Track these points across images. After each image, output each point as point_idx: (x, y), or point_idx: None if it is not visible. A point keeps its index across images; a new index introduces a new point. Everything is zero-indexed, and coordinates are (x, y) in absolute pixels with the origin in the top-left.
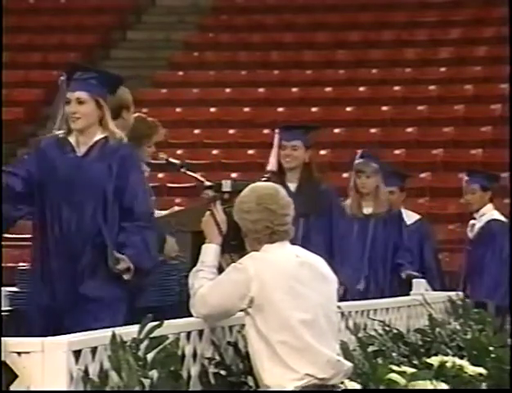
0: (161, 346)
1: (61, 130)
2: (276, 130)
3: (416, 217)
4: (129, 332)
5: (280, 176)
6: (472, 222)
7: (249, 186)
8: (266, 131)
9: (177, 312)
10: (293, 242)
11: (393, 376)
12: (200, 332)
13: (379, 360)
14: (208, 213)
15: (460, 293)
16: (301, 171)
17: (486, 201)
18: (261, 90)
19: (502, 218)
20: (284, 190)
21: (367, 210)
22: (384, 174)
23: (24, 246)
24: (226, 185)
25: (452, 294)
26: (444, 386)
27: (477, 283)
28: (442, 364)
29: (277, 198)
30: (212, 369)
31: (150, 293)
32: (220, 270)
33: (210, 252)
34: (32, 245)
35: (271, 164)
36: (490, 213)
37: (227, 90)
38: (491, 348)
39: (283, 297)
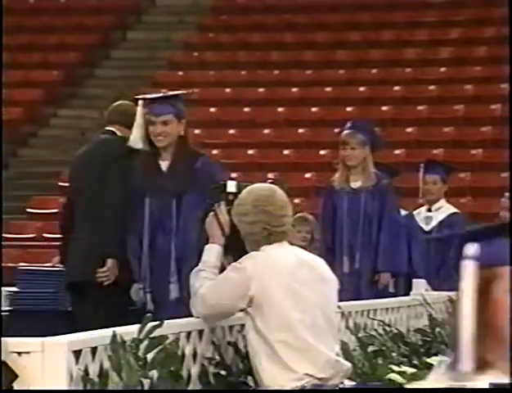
0: (161, 346)
1: None
2: (140, 102)
3: (452, 211)
4: (129, 331)
5: (152, 155)
6: (428, 214)
7: (247, 188)
8: (266, 131)
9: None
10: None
11: (393, 376)
12: (200, 332)
13: (379, 360)
14: (211, 213)
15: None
16: (175, 147)
17: (442, 194)
18: (261, 90)
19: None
20: (281, 191)
21: (355, 184)
22: (375, 144)
23: (24, 246)
24: (231, 186)
25: (452, 294)
26: (444, 386)
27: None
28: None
29: (274, 199)
30: (212, 369)
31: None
32: (222, 271)
33: (213, 253)
34: None
35: (133, 141)
36: (447, 206)
37: (227, 90)
38: None
39: (282, 297)
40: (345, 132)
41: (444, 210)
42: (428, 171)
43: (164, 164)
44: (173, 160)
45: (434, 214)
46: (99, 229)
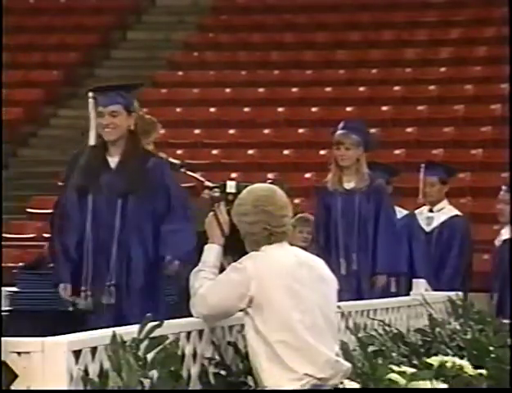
0: (161, 346)
1: None
2: (90, 94)
3: (454, 213)
4: (129, 331)
5: (100, 150)
6: (429, 214)
7: (247, 188)
8: (266, 131)
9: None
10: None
11: (393, 376)
12: (200, 332)
13: (379, 360)
14: (211, 213)
15: (460, 293)
16: (125, 143)
17: (443, 195)
18: (261, 90)
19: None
20: (281, 191)
21: (349, 185)
22: (368, 145)
23: (24, 246)
24: (231, 186)
25: (452, 294)
26: (444, 386)
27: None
28: (442, 364)
29: (274, 199)
30: (212, 369)
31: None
32: (222, 271)
33: (212, 253)
34: None
35: (91, 139)
36: (449, 207)
37: (227, 90)
38: (491, 348)
39: (282, 297)
40: (339, 132)
41: (446, 211)
42: (427, 173)
43: (113, 161)
44: (123, 157)
45: (436, 215)
46: None
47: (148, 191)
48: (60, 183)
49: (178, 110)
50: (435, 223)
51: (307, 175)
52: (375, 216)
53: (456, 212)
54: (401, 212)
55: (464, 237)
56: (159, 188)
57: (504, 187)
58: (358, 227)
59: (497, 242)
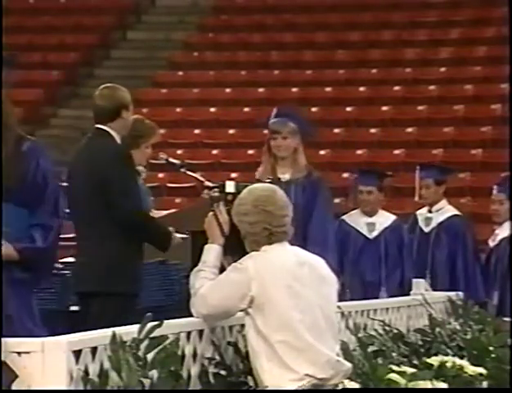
0: (161, 346)
1: None
2: None
3: (393, 218)
4: (129, 331)
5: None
6: (428, 215)
7: (247, 188)
8: (266, 131)
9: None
10: None
11: (393, 376)
12: (200, 332)
13: (379, 360)
14: (211, 213)
15: (460, 293)
16: None
17: (440, 196)
18: (261, 90)
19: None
20: (281, 191)
21: (284, 177)
22: (305, 134)
23: None
24: (230, 186)
25: (452, 294)
26: (444, 386)
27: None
28: (442, 364)
29: (274, 199)
30: (212, 369)
31: (151, 293)
32: (222, 271)
33: (212, 253)
34: None
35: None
36: (446, 208)
37: (227, 90)
38: (491, 348)
39: (283, 297)
40: (274, 120)
41: (444, 211)
42: (422, 174)
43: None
44: None
45: (434, 216)
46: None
47: (21, 175)
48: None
49: (178, 110)
50: (433, 224)
51: None
52: (310, 209)
53: (455, 212)
54: (388, 218)
55: (465, 236)
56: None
57: (495, 187)
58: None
59: (491, 242)
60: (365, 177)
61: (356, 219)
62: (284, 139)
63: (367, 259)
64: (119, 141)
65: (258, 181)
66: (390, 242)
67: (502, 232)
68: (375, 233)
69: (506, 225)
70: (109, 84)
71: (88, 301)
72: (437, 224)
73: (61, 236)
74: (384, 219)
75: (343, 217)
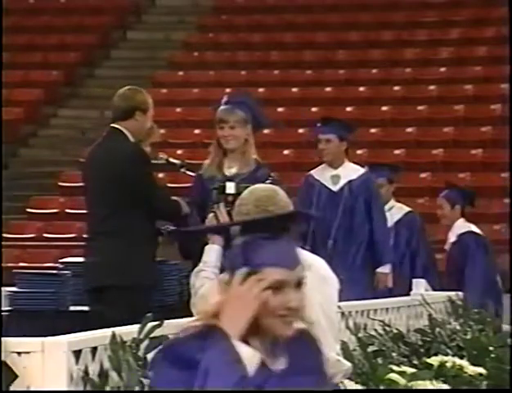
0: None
1: None
2: None
3: (362, 170)
4: (129, 331)
5: None
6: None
7: (248, 188)
8: (266, 131)
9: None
10: None
11: (393, 376)
12: None
13: (379, 360)
14: (211, 214)
15: (460, 293)
16: None
17: (391, 195)
18: (261, 90)
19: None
20: (283, 191)
21: (230, 171)
22: (257, 124)
23: (24, 246)
24: (230, 187)
25: (452, 294)
26: (444, 386)
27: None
28: (442, 364)
29: (276, 200)
30: None
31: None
32: (222, 271)
33: (213, 253)
34: None
35: None
36: (398, 206)
37: (227, 90)
38: (491, 348)
39: None
40: (222, 108)
41: (397, 209)
42: (376, 175)
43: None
44: None
45: (388, 215)
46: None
47: None
48: (63, 184)
49: (178, 110)
50: (390, 223)
51: None
52: None
53: (408, 209)
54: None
55: (421, 231)
56: None
57: (441, 194)
58: None
59: (447, 246)
60: (324, 126)
61: (321, 173)
62: (231, 129)
63: (332, 212)
64: (132, 140)
65: (200, 176)
66: (357, 195)
67: (452, 237)
68: (338, 186)
69: (455, 229)
70: (132, 86)
71: (101, 297)
72: (394, 223)
73: (63, 236)
74: (350, 172)
75: (311, 172)
